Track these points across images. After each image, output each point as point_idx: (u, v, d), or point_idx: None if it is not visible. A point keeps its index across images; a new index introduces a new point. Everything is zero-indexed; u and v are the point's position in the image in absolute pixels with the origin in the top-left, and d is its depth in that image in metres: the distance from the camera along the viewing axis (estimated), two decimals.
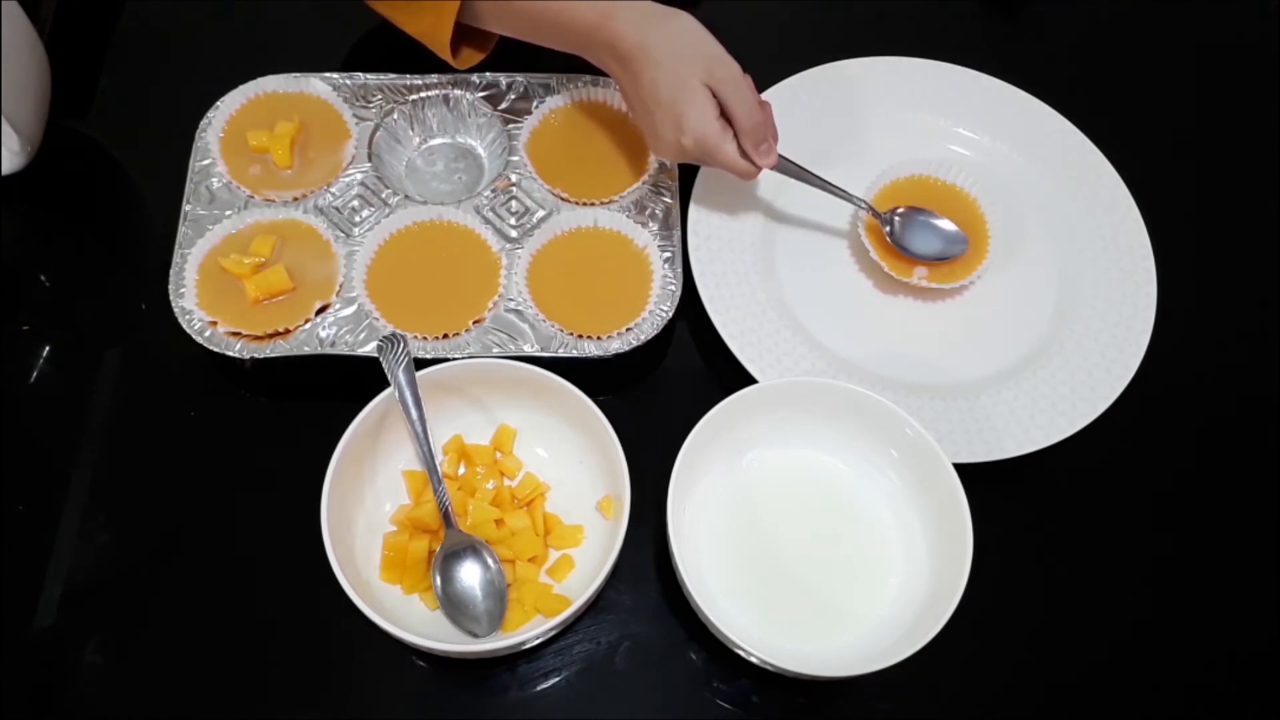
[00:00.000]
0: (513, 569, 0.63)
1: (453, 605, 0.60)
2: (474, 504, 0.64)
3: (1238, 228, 0.84)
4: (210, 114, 0.77)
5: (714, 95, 0.66)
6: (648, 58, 0.65)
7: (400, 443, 0.66)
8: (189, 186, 0.74)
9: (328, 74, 0.79)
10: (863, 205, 0.75)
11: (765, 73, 0.83)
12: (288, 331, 0.69)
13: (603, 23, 0.66)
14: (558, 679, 0.63)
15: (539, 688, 0.63)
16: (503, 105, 0.79)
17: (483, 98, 0.79)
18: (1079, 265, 0.78)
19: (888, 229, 0.75)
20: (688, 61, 0.66)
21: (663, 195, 0.76)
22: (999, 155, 0.83)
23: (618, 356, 0.70)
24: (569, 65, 0.80)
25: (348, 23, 0.88)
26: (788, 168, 0.72)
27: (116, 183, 0.82)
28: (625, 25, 0.66)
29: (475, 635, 0.60)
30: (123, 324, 0.75)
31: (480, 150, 0.81)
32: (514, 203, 0.76)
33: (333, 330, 0.70)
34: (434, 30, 0.70)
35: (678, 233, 0.75)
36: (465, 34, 0.73)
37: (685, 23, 0.67)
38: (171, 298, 0.69)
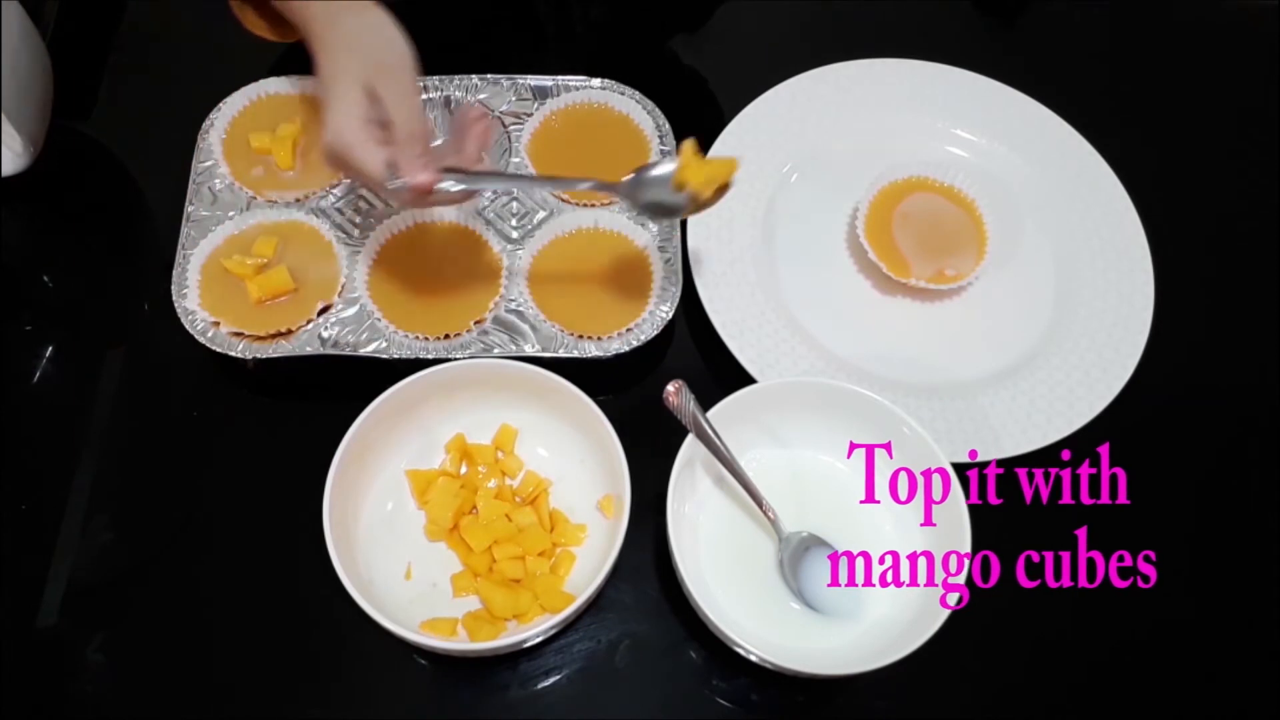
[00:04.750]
0: (523, 564, 0.63)
1: None
2: (482, 500, 0.65)
3: (1236, 228, 0.84)
4: (213, 115, 0.77)
5: (377, 97, 0.61)
6: (324, 45, 0.63)
7: (401, 443, 0.66)
8: (191, 188, 0.75)
9: None
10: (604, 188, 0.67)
11: (765, 75, 0.84)
12: (290, 332, 0.70)
13: (301, 6, 0.64)
14: (558, 677, 0.64)
15: (540, 685, 0.63)
16: (503, 107, 0.80)
17: (483, 100, 0.80)
18: (1077, 265, 0.78)
19: None
20: (354, 56, 0.61)
21: None
22: (997, 156, 0.83)
23: (618, 356, 0.70)
24: (569, 67, 0.81)
25: None
26: (476, 179, 0.64)
27: (119, 184, 0.82)
28: (316, 9, 0.63)
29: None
30: (125, 324, 0.75)
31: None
32: (515, 204, 0.76)
33: (335, 331, 0.70)
34: None
35: (678, 233, 0.75)
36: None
37: (372, 17, 0.63)
38: (174, 298, 0.70)
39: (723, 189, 0.64)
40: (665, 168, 0.64)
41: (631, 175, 0.65)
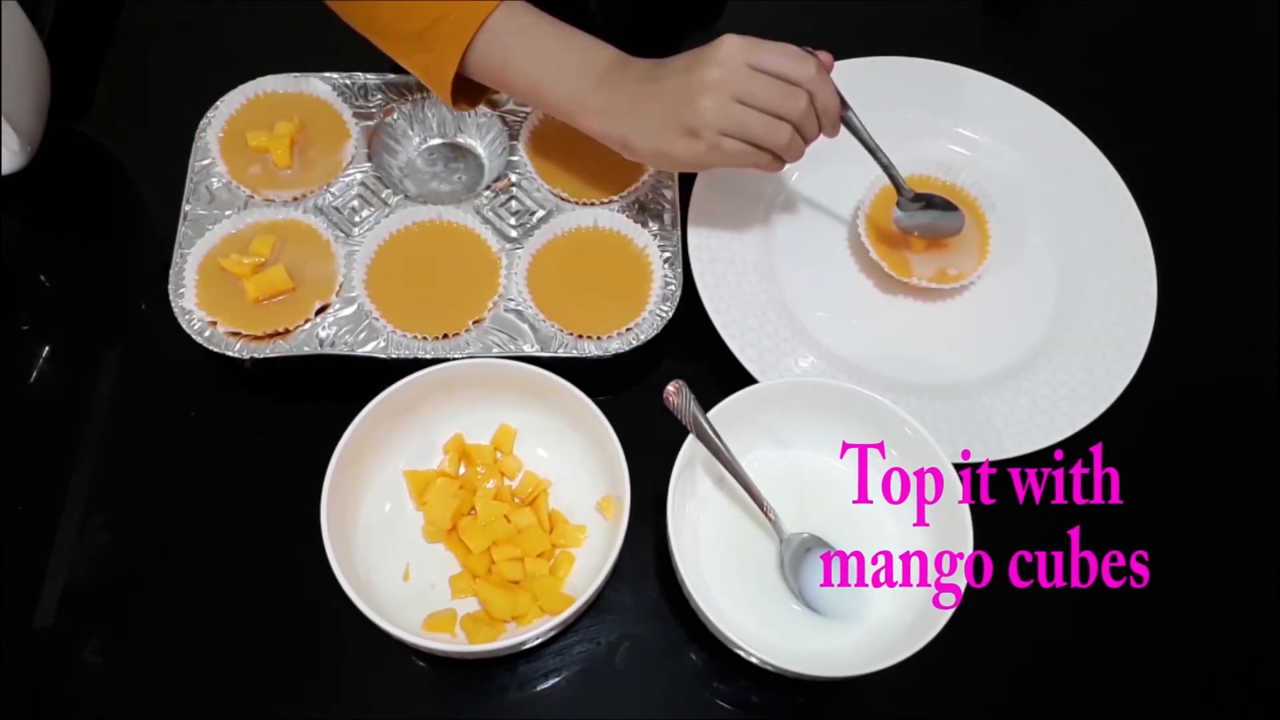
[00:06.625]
0: (521, 566, 0.63)
1: None
2: (481, 501, 0.64)
3: (1238, 227, 0.84)
4: (210, 114, 0.77)
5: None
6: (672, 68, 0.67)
7: (400, 443, 0.66)
8: (189, 186, 0.74)
9: (327, 74, 0.79)
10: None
11: None
12: (287, 331, 0.69)
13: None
14: (558, 679, 0.63)
15: (539, 688, 0.63)
16: (503, 105, 0.79)
17: None
18: (1079, 265, 0.78)
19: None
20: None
21: (663, 195, 0.76)
22: (999, 155, 0.83)
23: (618, 356, 0.70)
24: None
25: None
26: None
27: (116, 183, 0.82)
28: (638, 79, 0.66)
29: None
30: (123, 324, 0.75)
31: (480, 150, 0.81)
32: (514, 203, 0.76)
33: (332, 330, 0.70)
34: (431, 72, 0.68)
35: (678, 233, 0.75)
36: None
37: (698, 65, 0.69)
38: (171, 298, 0.69)
39: None
40: None
41: None
